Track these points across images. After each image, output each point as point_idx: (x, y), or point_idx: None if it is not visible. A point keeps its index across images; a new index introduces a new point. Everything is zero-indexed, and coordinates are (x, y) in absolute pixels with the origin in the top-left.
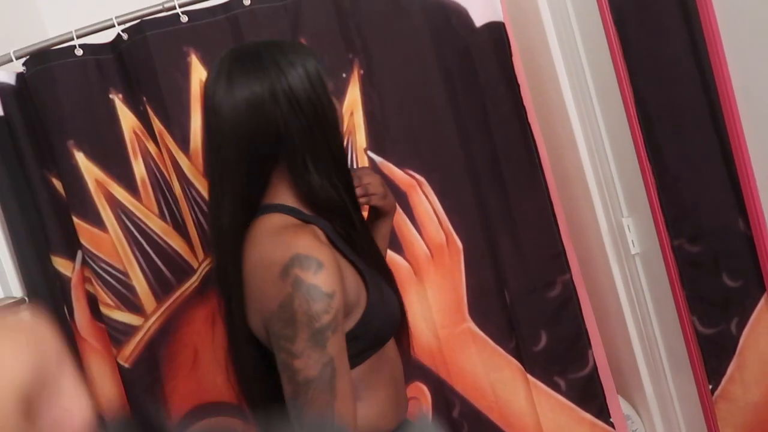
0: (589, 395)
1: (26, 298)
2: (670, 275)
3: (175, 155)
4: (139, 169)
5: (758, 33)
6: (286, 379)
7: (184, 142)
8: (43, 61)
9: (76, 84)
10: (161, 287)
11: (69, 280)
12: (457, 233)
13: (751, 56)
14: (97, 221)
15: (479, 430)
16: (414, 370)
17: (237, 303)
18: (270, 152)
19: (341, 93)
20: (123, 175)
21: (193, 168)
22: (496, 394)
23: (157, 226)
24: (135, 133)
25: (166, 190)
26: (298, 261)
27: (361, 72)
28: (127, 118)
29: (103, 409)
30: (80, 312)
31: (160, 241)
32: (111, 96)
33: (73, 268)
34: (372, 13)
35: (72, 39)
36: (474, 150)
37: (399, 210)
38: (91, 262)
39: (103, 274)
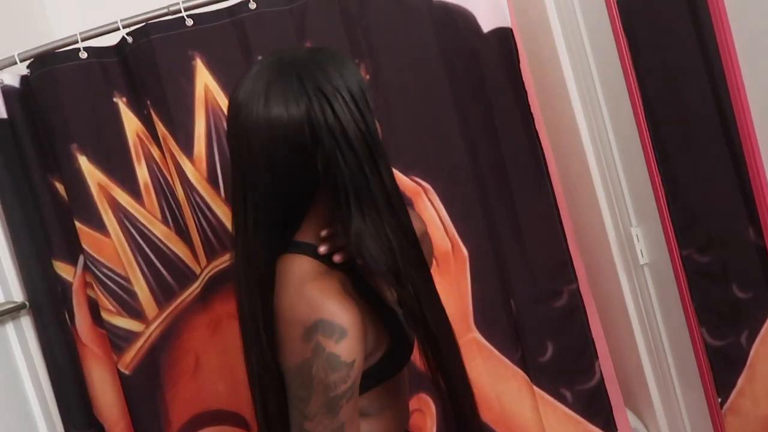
0: (596, 407)
1: (27, 303)
2: (679, 286)
3: (179, 160)
4: (142, 173)
5: None
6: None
7: (187, 147)
8: (47, 64)
9: (80, 87)
10: (163, 293)
11: (70, 285)
12: (463, 241)
13: (765, 61)
14: (99, 225)
15: None
16: (418, 381)
17: (268, 338)
18: (311, 183)
19: None
20: (126, 179)
21: (196, 173)
22: (501, 405)
23: (159, 231)
24: (138, 137)
25: (169, 195)
26: (322, 327)
27: (368, 77)
28: (130, 122)
29: (103, 416)
30: (81, 317)
31: (162, 246)
32: (115, 99)
33: (75, 272)
34: (379, 17)
35: (76, 42)
36: (480, 157)
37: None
38: (93, 267)
39: (105, 279)
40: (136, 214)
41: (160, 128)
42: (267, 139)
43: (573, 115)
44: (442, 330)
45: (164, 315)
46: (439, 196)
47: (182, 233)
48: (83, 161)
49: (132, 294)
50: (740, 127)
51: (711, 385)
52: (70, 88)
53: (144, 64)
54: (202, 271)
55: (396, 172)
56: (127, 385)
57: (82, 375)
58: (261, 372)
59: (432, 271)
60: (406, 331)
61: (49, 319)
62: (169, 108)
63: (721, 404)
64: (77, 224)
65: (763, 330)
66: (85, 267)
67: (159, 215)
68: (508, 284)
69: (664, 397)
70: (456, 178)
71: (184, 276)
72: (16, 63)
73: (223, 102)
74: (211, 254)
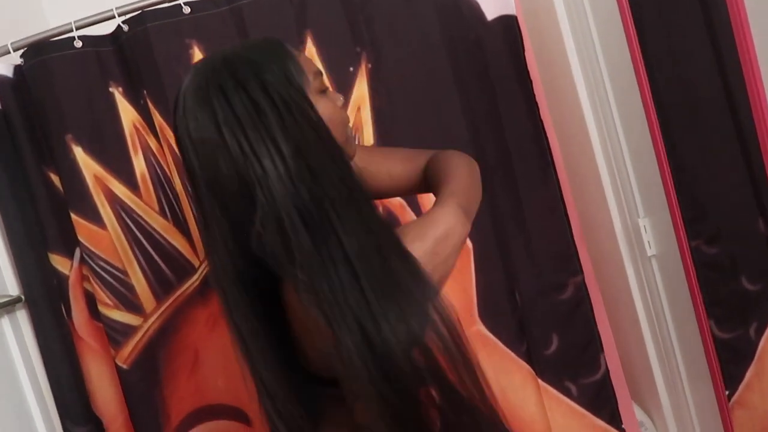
0: (601, 401)
1: (22, 297)
2: (688, 278)
3: (176, 150)
4: (139, 164)
5: None
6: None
7: None
8: (42, 53)
9: (75, 76)
10: (161, 286)
11: (67, 278)
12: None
13: None
14: (96, 218)
15: None
16: None
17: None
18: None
19: (348, 88)
20: (123, 170)
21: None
22: (506, 399)
23: (157, 223)
24: (135, 127)
25: (167, 186)
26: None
27: (369, 66)
28: (127, 112)
29: (101, 411)
30: (78, 311)
31: (160, 238)
32: (111, 89)
33: (71, 266)
34: (381, 4)
35: (71, 30)
36: (484, 147)
37: (407, 208)
38: (89, 260)
39: (102, 273)
40: (133, 206)
41: (157, 118)
42: (195, 157)
43: (579, 104)
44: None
45: (162, 309)
46: None
47: (180, 225)
48: (78, 152)
49: (129, 287)
50: (755, 117)
51: (719, 378)
52: (64, 78)
53: (140, 53)
54: (200, 263)
55: None
56: (126, 379)
57: (80, 370)
58: (281, 381)
59: None
60: None
61: (45, 313)
62: (166, 97)
63: (729, 397)
64: (73, 216)
65: None
66: (82, 260)
67: (156, 207)
68: (513, 276)
69: (671, 391)
70: None
71: (183, 269)
72: (9, 52)
73: None
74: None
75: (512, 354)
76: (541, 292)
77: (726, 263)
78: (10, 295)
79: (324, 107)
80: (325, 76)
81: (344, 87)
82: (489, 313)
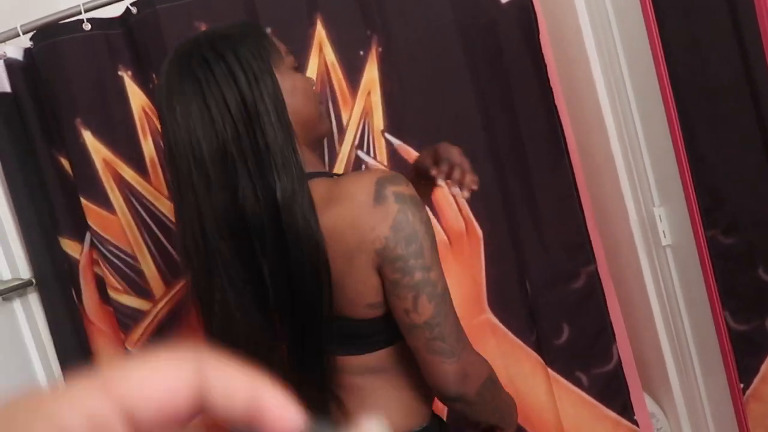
0: (613, 392)
1: (33, 281)
2: (703, 268)
3: None
4: (148, 148)
5: None
6: (424, 300)
7: None
8: (51, 36)
9: (84, 60)
10: (170, 271)
11: (77, 262)
12: (478, 220)
13: None
14: (105, 203)
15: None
16: None
17: (315, 294)
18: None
19: (358, 71)
20: (132, 154)
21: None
22: (515, 388)
23: (166, 207)
24: (144, 111)
25: None
26: (388, 180)
27: (380, 50)
28: (136, 96)
29: None
30: (89, 295)
31: (169, 223)
32: (120, 73)
33: (82, 250)
34: None
35: (80, 13)
36: (497, 133)
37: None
38: (99, 245)
39: (111, 258)
40: (142, 191)
41: None
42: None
43: (595, 90)
44: None
45: (172, 294)
46: None
47: None
48: (88, 136)
49: (139, 272)
50: None
51: (733, 370)
52: (73, 61)
53: (149, 36)
54: None
55: (409, 149)
56: None
57: (90, 353)
58: (308, 340)
59: (445, 251)
60: None
61: (56, 297)
62: None
63: (744, 390)
64: (83, 201)
65: None
66: (92, 244)
67: (166, 191)
68: (524, 265)
69: (683, 382)
70: (471, 154)
71: None
72: (18, 35)
73: None
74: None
75: (522, 343)
76: (552, 281)
77: (743, 253)
78: (22, 279)
79: (297, 80)
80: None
81: (354, 71)
82: (499, 302)
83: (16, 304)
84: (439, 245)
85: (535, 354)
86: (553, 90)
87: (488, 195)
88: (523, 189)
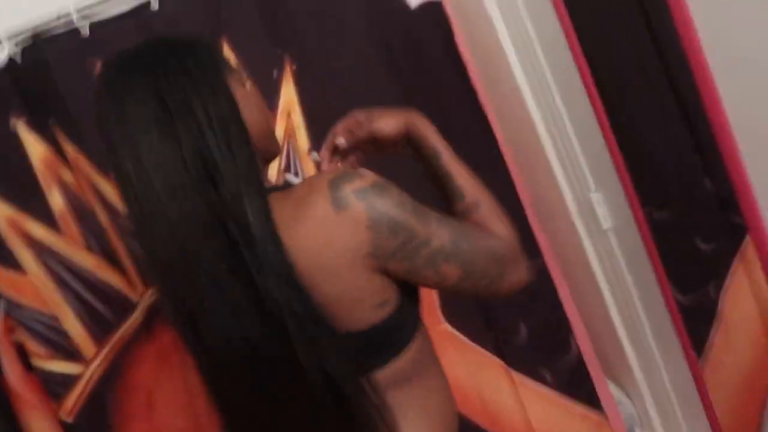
0: (577, 383)
1: None
2: (646, 246)
3: (95, 183)
4: (55, 200)
5: None
6: (445, 267)
7: (103, 166)
8: None
9: None
10: (99, 328)
11: None
12: None
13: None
14: (13, 264)
15: None
16: None
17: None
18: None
19: (273, 94)
20: (38, 209)
21: (117, 193)
22: (482, 397)
23: (85, 260)
24: (46, 161)
25: (89, 220)
26: (339, 180)
27: (294, 67)
28: (34, 145)
29: None
30: (10, 365)
31: (90, 277)
32: (12, 120)
33: None
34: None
35: None
36: None
37: None
38: (15, 312)
39: (30, 323)
40: (54, 247)
41: (69, 148)
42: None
43: (516, 85)
44: None
45: (104, 352)
46: None
47: (112, 259)
48: None
49: (63, 334)
50: (696, 76)
51: (687, 344)
52: None
53: (39, 79)
54: (140, 297)
55: (338, 166)
56: None
57: (20, 429)
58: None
59: None
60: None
61: None
62: (76, 124)
63: (700, 361)
64: None
65: (728, 279)
66: (7, 311)
67: (82, 243)
68: None
69: (642, 363)
70: (402, 163)
71: (121, 306)
72: None
73: None
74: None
75: (481, 349)
76: None
77: (678, 226)
78: None
79: (250, 96)
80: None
81: (269, 93)
82: (452, 310)
83: None
84: None
85: (496, 358)
86: (477, 89)
87: (425, 202)
88: None
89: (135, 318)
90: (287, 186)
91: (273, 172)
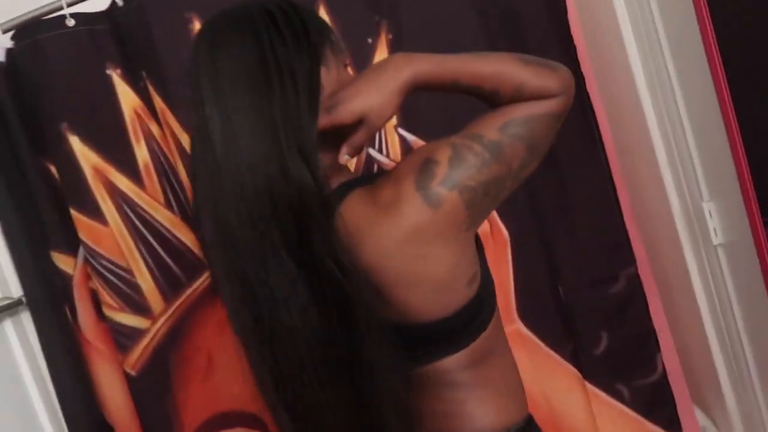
0: (658, 405)
1: (23, 299)
2: (763, 268)
3: (180, 137)
4: (141, 153)
5: None
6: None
7: (189, 122)
8: (32, 34)
9: (69, 58)
10: (169, 286)
11: (71, 278)
12: (503, 221)
13: None
14: (97, 214)
15: None
16: None
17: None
18: None
19: (366, 61)
20: (124, 160)
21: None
22: (550, 405)
23: (163, 217)
24: (136, 113)
25: (171, 177)
26: (425, 179)
27: (389, 36)
28: (126, 97)
29: (113, 419)
30: (85, 313)
31: (167, 234)
32: (108, 71)
33: (75, 264)
34: None
35: (62, 8)
36: None
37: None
38: (92, 260)
39: (105, 273)
40: (136, 200)
41: (158, 102)
42: None
43: (631, 72)
44: None
45: (172, 310)
46: None
47: (188, 219)
48: (75, 142)
49: (135, 288)
50: None
51: None
52: (57, 61)
53: (137, 31)
54: None
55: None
56: (134, 387)
57: (87, 376)
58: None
59: None
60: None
61: (47, 317)
62: (166, 79)
63: None
64: (73, 212)
65: None
66: (86, 258)
67: (162, 199)
68: (556, 269)
69: (739, 396)
70: None
71: (192, 266)
72: None
73: None
74: None
75: (556, 356)
76: (588, 285)
77: None
78: (12, 297)
79: (344, 75)
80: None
81: (362, 60)
82: (530, 311)
83: (7, 325)
84: None
85: (571, 367)
86: (585, 75)
87: (515, 193)
88: (553, 184)
89: (204, 279)
90: (363, 180)
91: None
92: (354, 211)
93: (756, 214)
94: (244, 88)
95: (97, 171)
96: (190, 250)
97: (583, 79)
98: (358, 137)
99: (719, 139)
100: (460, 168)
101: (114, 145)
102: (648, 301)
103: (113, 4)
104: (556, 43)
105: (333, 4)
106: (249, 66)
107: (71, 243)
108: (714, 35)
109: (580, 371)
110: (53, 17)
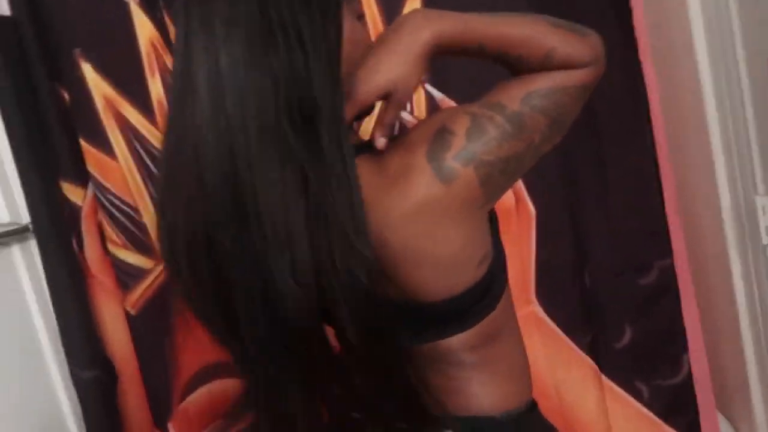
0: (678, 408)
1: (30, 226)
2: None
3: None
4: (155, 87)
5: None
6: (551, 144)
7: None
8: None
9: None
10: None
11: (80, 209)
12: (531, 195)
13: None
14: (106, 146)
15: None
16: None
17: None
18: None
19: (397, 8)
20: (137, 93)
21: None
22: (560, 395)
23: None
24: (153, 45)
25: None
26: (438, 150)
27: None
28: (143, 27)
29: (114, 355)
30: (91, 246)
31: None
32: None
33: (85, 195)
34: None
35: None
36: None
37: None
38: (99, 194)
39: (111, 208)
40: (147, 135)
41: (174, 34)
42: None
43: (692, 45)
44: None
45: None
46: None
47: None
48: (88, 70)
49: (141, 226)
50: None
51: None
52: None
53: None
54: None
55: (453, 104)
56: (134, 326)
57: (89, 310)
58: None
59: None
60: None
61: (53, 246)
62: None
63: None
64: (82, 143)
65: None
66: (95, 191)
67: None
68: (584, 251)
69: None
70: None
71: None
72: None
73: None
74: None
75: (573, 345)
76: (617, 272)
77: None
78: (19, 223)
79: (360, 31)
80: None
81: (393, 9)
82: (549, 293)
83: (15, 250)
84: None
85: (587, 358)
86: (638, 38)
87: (545, 164)
88: (590, 158)
89: None
90: (370, 145)
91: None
92: (359, 179)
93: None
94: (239, 37)
95: (109, 102)
96: None
97: (636, 47)
98: (388, 116)
99: None
100: (478, 141)
101: (127, 77)
102: (681, 297)
103: None
104: (609, 4)
105: None
106: (247, 13)
107: (81, 174)
108: None
109: (598, 364)
110: None
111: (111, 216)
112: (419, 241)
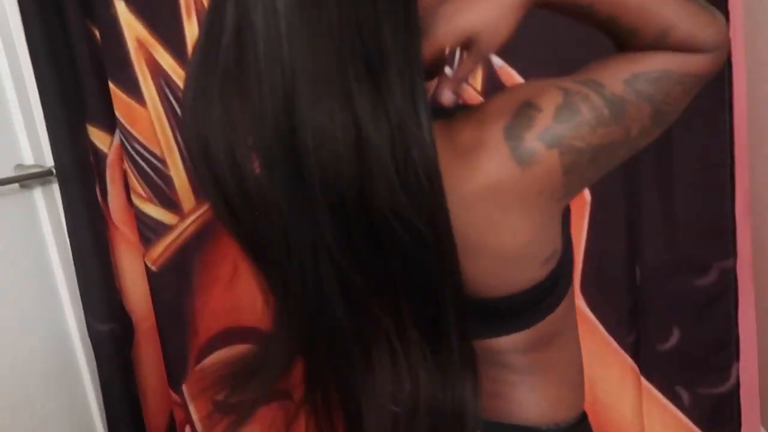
0: (721, 419)
1: (53, 170)
2: None
3: None
4: (191, 30)
5: None
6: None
7: None
8: None
9: None
10: None
11: (105, 156)
12: None
13: None
14: (135, 91)
15: None
16: None
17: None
18: None
19: None
20: (171, 36)
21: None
22: (594, 394)
23: None
24: None
25: None
26: (518, 127)
27: None
28: None
29: (132, 307)
30: (115, 195)
31: None
32: None
33: (111, 142)
34: None
35: None
36: None
37: None
38: (125, 141)
39: (137, 158)
40: (179, 82)
41: None
42: None
43: None
44: None
45: (203, 210)
46: None
47: None
48: (121, 8)
49: (167, 179)
50: None
51: None
52: None
53: None
54: None
55: (512, 72)
56: (154, 282)
57: (110, 259)
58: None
59: None
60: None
61: (77, 191)
62: None
63: None
64: (111, 86)
65: None
66: (121, 140)
67: None
68: (638, 245)
69: None
70: None
71: None
72: None
73: None
74: None
75: (614, 343)
76: (672, 271)
77: None
78: (43, 167)
79: None
80: None
81: None
82: (595, 288)
83: (37, 193)
84: None
85: (628, 358)
86: (731, 23)
87: None
88: (656, 145)
89: None
90: (440, 109)
91: None
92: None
93: None
94: None
95: (141, 44)
96: None
97: (727, 26)
98: (465, 66)
99: None
100: (568, 122)
101: (162, 17)
102: (739, 302)
103: None
104: None
105: None
106: None
107: (110, 119)
108: None
109: (639, 365)
110: None
111: (137, 166)
112: (481, 229)
